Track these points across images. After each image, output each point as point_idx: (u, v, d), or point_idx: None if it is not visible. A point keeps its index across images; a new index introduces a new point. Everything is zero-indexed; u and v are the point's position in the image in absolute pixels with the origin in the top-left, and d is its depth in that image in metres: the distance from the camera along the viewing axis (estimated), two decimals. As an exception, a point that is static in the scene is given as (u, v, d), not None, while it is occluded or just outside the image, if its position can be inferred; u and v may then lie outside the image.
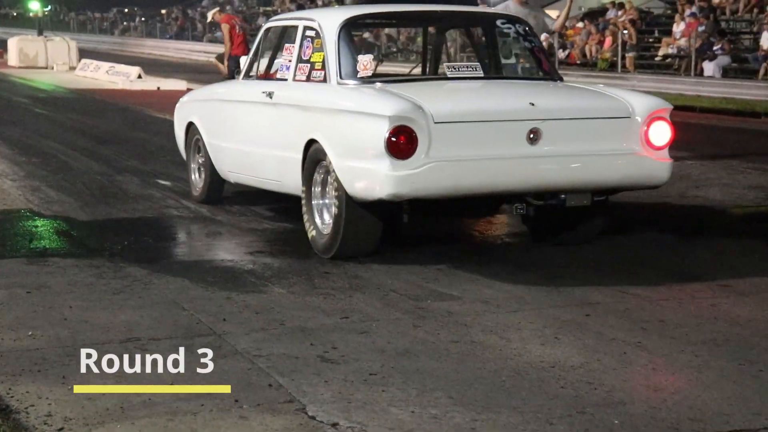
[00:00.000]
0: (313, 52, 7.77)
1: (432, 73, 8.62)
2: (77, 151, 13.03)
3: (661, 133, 7.11)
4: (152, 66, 29.53)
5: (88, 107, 19.93)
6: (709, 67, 24.82)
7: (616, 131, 7.06)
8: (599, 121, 7.07)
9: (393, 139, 6.57)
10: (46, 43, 33.92)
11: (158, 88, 23.91)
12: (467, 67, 7.65)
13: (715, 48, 24.84)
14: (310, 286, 6.51)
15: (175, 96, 18.40)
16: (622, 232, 8.08)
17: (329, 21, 7.73)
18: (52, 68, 32.20)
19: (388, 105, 6.71)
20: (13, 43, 34.23)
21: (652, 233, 8.24)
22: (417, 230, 7.97)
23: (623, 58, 26.84)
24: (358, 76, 7.41)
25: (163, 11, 71.35)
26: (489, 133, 6.78)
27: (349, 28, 7.71)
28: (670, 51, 26.70)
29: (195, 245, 7.81)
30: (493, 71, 8.17)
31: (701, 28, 25.61)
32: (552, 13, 11.47)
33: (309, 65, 7.79)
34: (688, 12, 26.64)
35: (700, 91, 23.34)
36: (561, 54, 29.30)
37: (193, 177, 9.71)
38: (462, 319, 5.75)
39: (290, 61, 8.04)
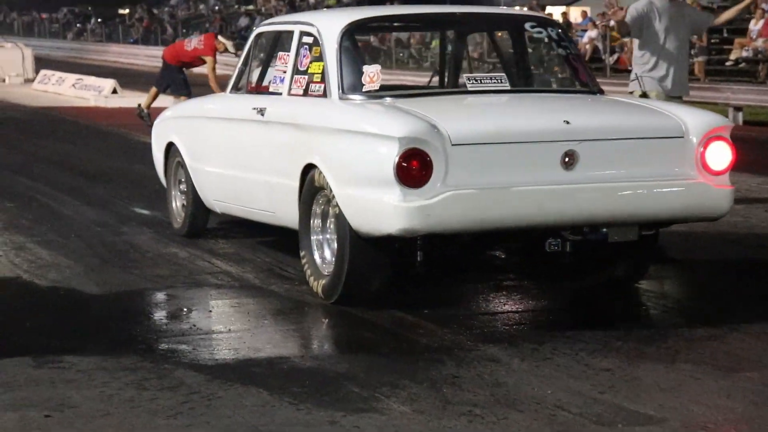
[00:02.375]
0: (311, 62, 7.50)
1: (450, 85, 8.32)
2: (62, 192, 11.86)
3: (721, 155, 6.78)
4: (124, 77, 28.41)
5: (61, 131, 18.76)
6: (796, 73, 23.75)
7: (667, 153, 6.75)
8: (647, 141, 6.75)
9: (404, 164, 6.29)
10: (-5, 50, 32.74)
11: (139, 105, 22.68)
12: (491, 78, 7.37)
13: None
14: (439, 399, 5.34)
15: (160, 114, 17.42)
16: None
17: (330, 25, 7.48)
18: (3, 81, 31.05)
19: (397, 125, 6.43)
20: (-50, 51, 32.91)
21: None
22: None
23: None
24: (364, 90, 7.15)
25: (123, 11, 70.39)
26: (516, 157, 6.51)
27: (353, 33, 7.49)
28: (744, 54, 25.66)
29: (258, 334, 6.61)
30: (522, 83, 7.90)
31: (785, 25, 24.58)
32: None
33: (306, 77, 7.54)
34: (766, 6, 25.61)
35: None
36: (610, 59, 28.27)
37: (173, 206, 9.52)
38: (685, 459, 4.59)
39: (285, 72, 7.80)
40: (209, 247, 8.94)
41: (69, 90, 26.09)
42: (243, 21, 48.23)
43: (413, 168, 6.30)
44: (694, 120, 6.82)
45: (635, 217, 6.67)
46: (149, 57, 41.41)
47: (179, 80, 17.23)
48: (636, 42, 9.54)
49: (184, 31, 54.21)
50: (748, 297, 7.39)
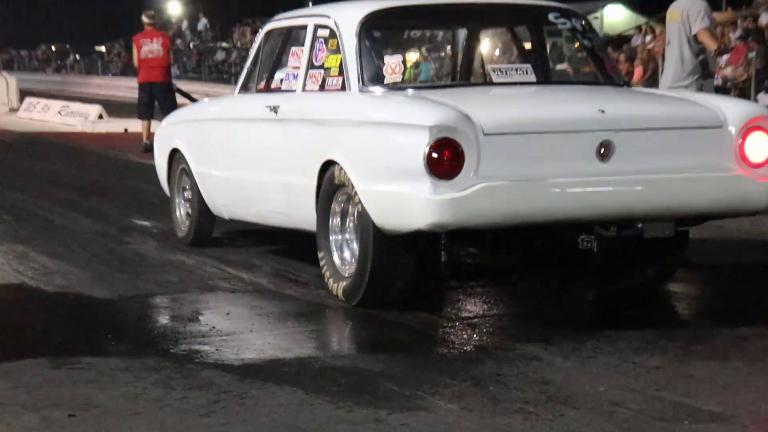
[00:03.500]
0: (327, 56, 7.04)
1: (471, 79, 7.66)
2: (59, 205, 11.29)
3: (760, 146, 6.31)
4: (107, 106, 27.73)
5: (50, 153, 18.14)
6: (765, 99, 23.50)
7: (705, 144, 6.29)
8: (684, 131, 6.28)
9: (434, 155, 5.78)
10: (-21, 81, 32.01)
11: (126, 130, 22.14)
12: (516, 70, 6.90)
13: (773, 77, 23.59)
14: (487, 397, 4.86)
15: (146, 139, 16.87)
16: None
17: (348, 16, 7.00)
18: (-13, 110, 30.35)
19: (427, 113, 5.95)
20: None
21: None
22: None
23: (660, 90, 25.52)
24: (385, 81, 6.67)
25: (101, 48, 69.99)
26: (550, 148, 6.05)
27: (372, 23, 6.94)
28: (715, 82, 25.42)
29: (281, 335, 6.11)
30: (547, 75, 7.36)
31: (752, 54, 24.31)
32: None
33: (322, 72, 7.07)
34: (733, 35, 25.39)
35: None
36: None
37: (177, 214, 8.96)
38: (766, 455, 4.12)
39: (298, 68, 7.30)
40: (217, 254, 8.43)
41: (55, 117, 25.43)
42: (220, 55, 47.83)
43: (444, 158, 5.81)
44: (731, 109, 6.37)
45: (673, 211, 6.19)
46: (129, 88, 40.72)
47: (170, 99, 16.55)
48: (691, 48, 9.17)
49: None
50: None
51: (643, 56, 27.04)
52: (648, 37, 29.10)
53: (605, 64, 7.24)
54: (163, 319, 6.65)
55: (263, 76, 7.93)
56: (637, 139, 6.14)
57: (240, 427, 4.50)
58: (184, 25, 59.53)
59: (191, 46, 55.46)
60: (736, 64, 25.17)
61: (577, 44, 7.37)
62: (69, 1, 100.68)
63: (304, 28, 7.42)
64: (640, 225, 6.16)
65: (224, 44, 52.27)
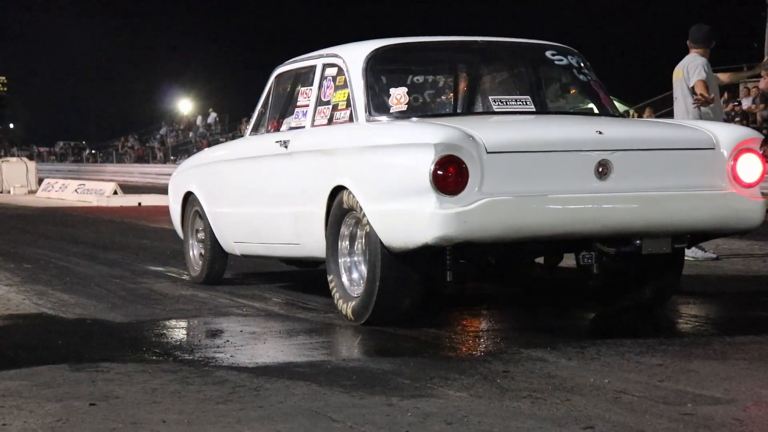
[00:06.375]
0: (335, 92, 7.02)
1: (473, 111, 7.43)
2: (76, 257, 11.23)
3: (751, 167, 6.26)
4: (123, 188, 27.85)
5: (68, 221, 18.12)
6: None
7: (699, 165, 6.23)
8: (678, 152, 6.21)
9: (439, 171, 5.73)
10: (1, 164, 32.15)
11: (139, 203, 22.19)
12: (516, 101, 6.87)
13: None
14: (495, 387, 4.76)
15: (161, 211, 16.88)
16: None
17: (355, 53, 6.99)
18: (8, 192, 30.45)
19: (432, 133, 5.89)
20: (-40, 167, 32.28)
21: None
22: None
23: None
24: (391, 111, 6.64)
25: (117, 142, 70.52)
26: (550, 166, 5.95)
27: (379, 59, 6.92)
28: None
29: (293, 345, 6.02)
30: (546, 107, 7.14)
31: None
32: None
33: (330, 107, 7.03)
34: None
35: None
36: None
37: (190, 254, 8.91)
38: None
39: (307, 105, 7.28)
40: (229, 290, 8.36)
41: (72, 195, 25.51)
42: (227, 145, 47.92)
43: (449, 175, 5.76)
44: (723, 133, 6.34)
45: (669, 227, 6.10)
46: (143, 174, 41.02)
47: None
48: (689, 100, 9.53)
49: (173, 158, 53.96)
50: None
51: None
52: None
53: (600, 97, 7.20)
54: (179, 336, 6.55)
55: (274, 117, 7.92)
56: (634, 159, 6.08)
57: (256, 413, 4.40)
58: (199, 119, 59.86)
59: (203, 136, 55.72)
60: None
61: (574, 79, 7.31)
62: (83, 101, 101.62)
63: (312, 68, 7.42)
64: (638, 242, 6.08)
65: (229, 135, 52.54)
